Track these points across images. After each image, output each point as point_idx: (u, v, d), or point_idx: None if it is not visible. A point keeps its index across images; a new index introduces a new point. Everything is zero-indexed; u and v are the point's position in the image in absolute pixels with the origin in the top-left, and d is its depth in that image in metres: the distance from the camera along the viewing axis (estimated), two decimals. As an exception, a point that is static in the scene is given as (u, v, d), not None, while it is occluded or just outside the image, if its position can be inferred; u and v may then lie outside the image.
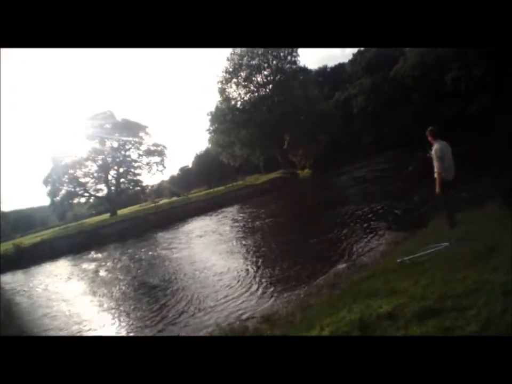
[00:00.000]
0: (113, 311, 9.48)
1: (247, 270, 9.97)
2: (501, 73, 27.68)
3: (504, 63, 26.95)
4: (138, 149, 47.23)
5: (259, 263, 10.47)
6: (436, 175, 6.86)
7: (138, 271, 13.77)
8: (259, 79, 45.41)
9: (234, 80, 45.24)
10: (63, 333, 8.57)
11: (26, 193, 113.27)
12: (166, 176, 69.80)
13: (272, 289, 8.01)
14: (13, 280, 20.22)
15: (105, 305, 10.17)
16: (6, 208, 58.79)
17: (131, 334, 7.44)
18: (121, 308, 9.54)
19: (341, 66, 52.56)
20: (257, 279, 8.97)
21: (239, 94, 46.31)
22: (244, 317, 6.73)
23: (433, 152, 6.84)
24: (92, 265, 18.38)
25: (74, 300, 11.90)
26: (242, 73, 44.65)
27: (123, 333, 7.63)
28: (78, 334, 8.10)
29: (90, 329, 8.38)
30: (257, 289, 8.22)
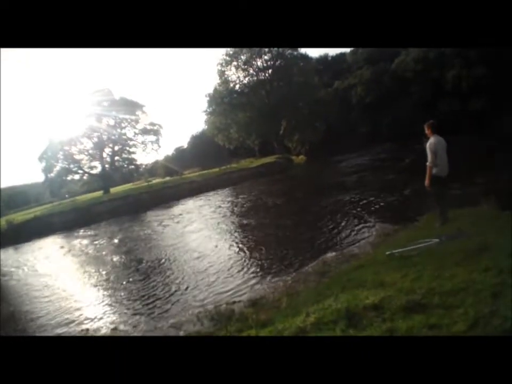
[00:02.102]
0: (103, 288, 9.52)
1: (235, 253, 10.00)
2: (502, 74, 27.60)
3: (506, 63, 26.88)
4: (135, 127, 46.66)
5: (248, 247, 10.47)
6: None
7: (129, 248, 13.75)
8: (259, 63, 45.09)
9: (234, 63, 44.91)
10: (52, 308, 8.60)
11: (19, 169, 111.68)
12: (160, 156, 69.22)
13: (259, 273, 8.02)
14: (4, 256, 20.11)
15: (96, 282, 10.21)
16: (-1, 184, 57.92)
17: (119, 314, 7.46)
18: (111, 285, 9.57)
19: (342, 55, 52.12)
20: (244, 262, 8.99)
21: (238, 77, 46.06)
22: (230, 300, 6.72)
23: (427, 145, 6.86)
24: (84, 242, 18.41)
25: (66, 276, 11.88)
26: (242, 57, 44.26)
27: (112, 310, 7.65)
28: (68, 312, 8.13)
29: (81, 307, 8.38)
30: (245, 273, 8.23)
